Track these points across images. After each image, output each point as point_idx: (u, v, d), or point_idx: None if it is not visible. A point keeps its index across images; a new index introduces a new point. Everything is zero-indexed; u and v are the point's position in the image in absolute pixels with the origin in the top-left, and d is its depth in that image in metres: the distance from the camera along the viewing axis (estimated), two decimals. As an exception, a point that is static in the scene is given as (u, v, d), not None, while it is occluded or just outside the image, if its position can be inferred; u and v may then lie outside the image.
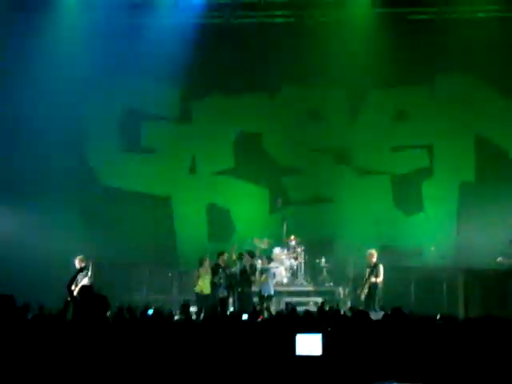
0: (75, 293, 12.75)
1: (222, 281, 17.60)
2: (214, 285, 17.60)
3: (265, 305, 17.49)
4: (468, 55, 20.74)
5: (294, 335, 7.44)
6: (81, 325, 8.58)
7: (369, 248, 17.90)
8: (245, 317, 11.90)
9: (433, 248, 20.41)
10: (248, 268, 17.94)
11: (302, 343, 7.40)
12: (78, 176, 21.72)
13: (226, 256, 17.90)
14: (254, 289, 17.97)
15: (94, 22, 21.43)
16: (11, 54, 20.91)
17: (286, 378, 7.21)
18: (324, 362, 7.24)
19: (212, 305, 16.41)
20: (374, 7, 21.20)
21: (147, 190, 22.13)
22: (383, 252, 19.59)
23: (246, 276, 17.84)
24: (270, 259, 18.67)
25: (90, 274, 18.23)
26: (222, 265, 17.66)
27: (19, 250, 19.85)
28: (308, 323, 9.44)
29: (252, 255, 18.37)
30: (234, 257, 18.13)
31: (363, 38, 21.08)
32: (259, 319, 12.26)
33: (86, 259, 17.93)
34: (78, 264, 18.12)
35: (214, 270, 17.62)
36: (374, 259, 17.54)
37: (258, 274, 18.10)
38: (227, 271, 17.70)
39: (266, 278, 18.04)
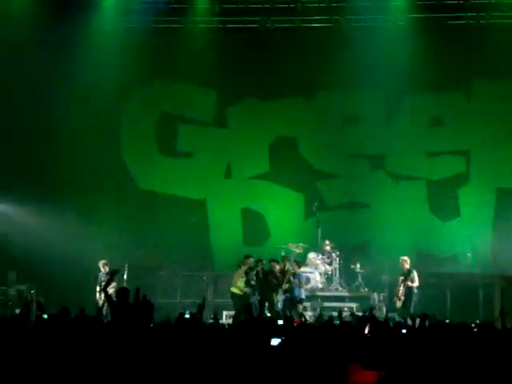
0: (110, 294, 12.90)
1: (253, 283, 17.70)
2: (248, 285, 17.73)
3: (297, 310, 17.52)
4: (506, 60, 20.59)
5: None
6: (122, 327, 8.65)
7: (403, 254, 17.84)
8: (280, 322, 11.90)
9: (469, 255, 20.27)
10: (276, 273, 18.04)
11: None
12: (114, 179, 21.91)
13: (251, 260, 18.00)
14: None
15: (129, 27, 21.63)
16: (53, 54, 21.09)
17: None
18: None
19: (245, 307, 16.48)
20: (411, 12, 21.11)
21: (183, 194, 22.23)
22: (419, 258, 19.53)
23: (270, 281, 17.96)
24: (298, 264, 18.61)
25: (125, 277, 18.42)
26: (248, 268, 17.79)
27: (55, 249, 20.05)
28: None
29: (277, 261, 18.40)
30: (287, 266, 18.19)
31: (400, 42, 21.01)
32: (295, 324, 12.24)
33: (109, 263, 18.23)
34: (101, 268, 18.37)
35: (247, 273, 17.77)
36: (407, 265, 17.49)
37: (289, 278, 18.08)
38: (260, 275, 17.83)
39: (299, 282, 18.05)
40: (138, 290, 10.41)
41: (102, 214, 21.25)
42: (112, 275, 13.00)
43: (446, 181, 21.54)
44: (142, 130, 22.41)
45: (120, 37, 21.61)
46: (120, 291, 11.02)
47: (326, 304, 19.32)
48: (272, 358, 7.32)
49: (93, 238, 20.44)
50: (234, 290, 17.75)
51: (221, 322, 16.17)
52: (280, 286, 17.94)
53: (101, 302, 17.62)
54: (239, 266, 17.96)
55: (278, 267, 18.12)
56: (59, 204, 20.88)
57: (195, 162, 22.32)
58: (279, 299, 17.82)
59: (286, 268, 18.05)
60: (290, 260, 18.62)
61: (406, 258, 17.72)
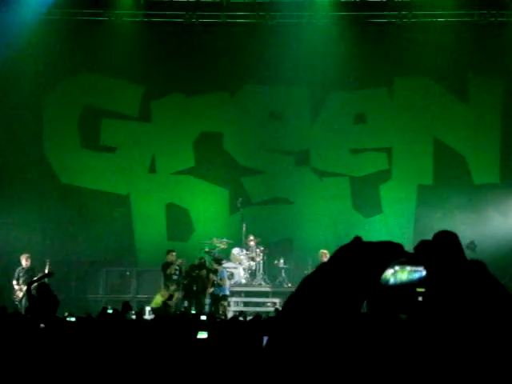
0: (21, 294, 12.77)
1: (175, 277, 17.75)
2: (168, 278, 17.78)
3: (220, 306, 17.57)
4: (427, 58, 20.99)
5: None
6: (37, 322, 8.54)
7: (327, 249, 18.01)
8: (203, 317, 11.89)
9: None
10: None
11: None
12: (35, 172, 21.55)
13: (174, 254, 18.14)
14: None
15: (52, 19, 21.30)
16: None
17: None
18: None
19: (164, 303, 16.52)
20: (336, 10, 21.33)
21: (106, 188, 22.01)
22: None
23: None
24: (219, 261, 18.64)
25: (46, 271, 18.13)
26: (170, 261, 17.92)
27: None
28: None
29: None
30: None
31: (324, 40, 21.22)
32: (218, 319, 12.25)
33: (31, 257, 17.96)
34: (24, 261, 18.07)
35: (164, 267, 17.80)
36: (326, 259, 17.63)
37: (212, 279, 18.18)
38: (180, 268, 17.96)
39: (221, 280, 18.11)
40: (47, 285, 10.34)
41: (23, 208, 20.87)
42: (44, 277, 12.82)
43: (368, 177, 21.84)
44: (65, 124, 22.10)
45: (43, 29, 21.25)
46: (40, 286, 10.90)
47: (250, 299, 19.42)
48: (198, 352, 7.32)
49: (14, 233, 20.08)
50: (152, 305, 17.69)
51: (144, 317, 16.06)
52: (206, 288, 18.00)
53: (20, 296, 17.41)
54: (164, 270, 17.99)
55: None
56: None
57: (119, 157, 22.12)
58: (207, 302, 17.87)
59: (207, 266, 18.15)
60: (212, 256, 18.74)
61: (325, 251, 17.89)
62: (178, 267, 17.98)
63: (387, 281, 1.81)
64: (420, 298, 1.75)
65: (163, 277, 18.19)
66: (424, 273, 1.80)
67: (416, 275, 1.71)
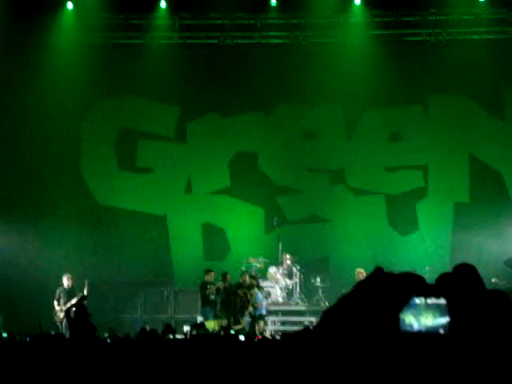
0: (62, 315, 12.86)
1: (212, 297, 17.80)
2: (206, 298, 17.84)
3: (256, 325, 17.58)
4: (461, 76, 20.96)
5: None
6: (78, 344, 8.65)
7: (363, 268, 17.96)
8: (241, 338, 11.95)
9: (428, 268, 20.46)
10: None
11: None
12: (73, 194, 21.79)
13: (212, 273, 18.22)
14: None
15: (90, 43, 21.64)
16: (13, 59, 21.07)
17: None
18: None
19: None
20: (369, 29, 21.39)
21: (143, 209, 22.16)
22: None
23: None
24: (256, 280, 18.68)
25: (85, 293, 18.29)
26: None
27: (15, 269, 19.93)
28: None
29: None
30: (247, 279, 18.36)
31: (358, 58, 21.28)
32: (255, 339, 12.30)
33: (74, 277, 18.10)
34: (65, 281, 18.18)
35: (202, 287, 17.86)
36: (362, 277, 17.54)
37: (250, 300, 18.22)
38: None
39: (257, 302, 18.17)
40: (84, 307, 10.46)
41: (61, 230, 21.09)
42: (81, 300, 12.92)
43: (404, 195, 21.77)
44: (102, 146, 22.33)
45: (81, 52, 21.56)
46: (78, 309, 11.02)
47: (287, 318, 19.41)
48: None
49: (53, 256, 20.29)
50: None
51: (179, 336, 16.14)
52: (246, 308, 18.02)
53: (61, 317, 17.54)
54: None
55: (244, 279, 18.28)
56: (17, 221, 20.72)
57: (155, 178, 22.28)
58: (247, 321, 17.90)
59: (248, 284, 18.17)
60: (249, 275, 18.81)
61: (361, 269, 17.85)
62: (215, 287, 18.00)
63: (411, 325, 1.81)
64: (442, 331, 1.76)
65: (200, 297, 18.24)
66: (448, 319, 1.79)
67: (442, 321, 1.71)
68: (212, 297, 17.89)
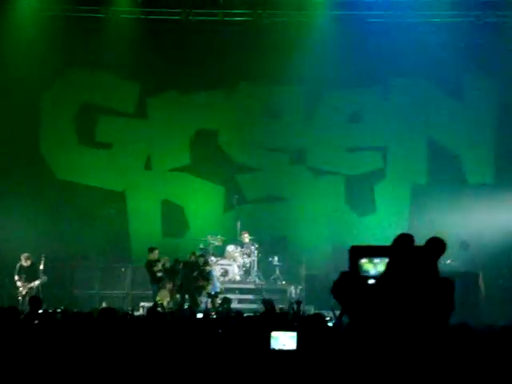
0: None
1: (160, 274, 17.90)
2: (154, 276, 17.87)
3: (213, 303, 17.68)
4: (421, 59, 21.02)
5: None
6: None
7: (320, 248, 18.12)
8: (199, 315, 12.00)
9: (384, 248, 20.65)
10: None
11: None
12: (30, 168, 21.60)
13: (157, 251, 18.31)
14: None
15: (49, 15, 21.34)
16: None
17: (261, 372, 7.31)
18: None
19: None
20: (332, 9, 21.35)
21: (102, 185, 22.05)
22: (335, 251, 19.82)
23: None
24: (207, 261, 18.81)
25: (42, 268, 18.26)
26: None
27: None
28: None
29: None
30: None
31: (320, 38, 21.22)
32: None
33: (33, 255, 18.04)
34: (23, 261, 18.14)
35: (147, 266, 18.10)
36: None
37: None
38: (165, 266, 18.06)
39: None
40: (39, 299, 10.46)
41: (18, 204, 20.89)
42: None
43: (363, 176, 21.91)
44: (62, 120, 22.14)
45: (40, 25, 21.26)
46: (32, 300, 11.04)
47: (244, 296, 19.50)
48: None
49: (11, 231, 20.10)
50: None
51: (137, 313, 16.16)
52: (204, 287, 18.12)
53: (23, 293, 17.59)
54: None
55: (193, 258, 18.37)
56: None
57: (115, 153, 22.16)
58: (203, 300, 17.99)
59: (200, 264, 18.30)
60: (207, 253, 18.91)
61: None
62: (161, 265, 18.12)
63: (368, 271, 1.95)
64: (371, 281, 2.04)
65: (149, 275, 18.28)
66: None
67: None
68: (159, 274, 18.02)
